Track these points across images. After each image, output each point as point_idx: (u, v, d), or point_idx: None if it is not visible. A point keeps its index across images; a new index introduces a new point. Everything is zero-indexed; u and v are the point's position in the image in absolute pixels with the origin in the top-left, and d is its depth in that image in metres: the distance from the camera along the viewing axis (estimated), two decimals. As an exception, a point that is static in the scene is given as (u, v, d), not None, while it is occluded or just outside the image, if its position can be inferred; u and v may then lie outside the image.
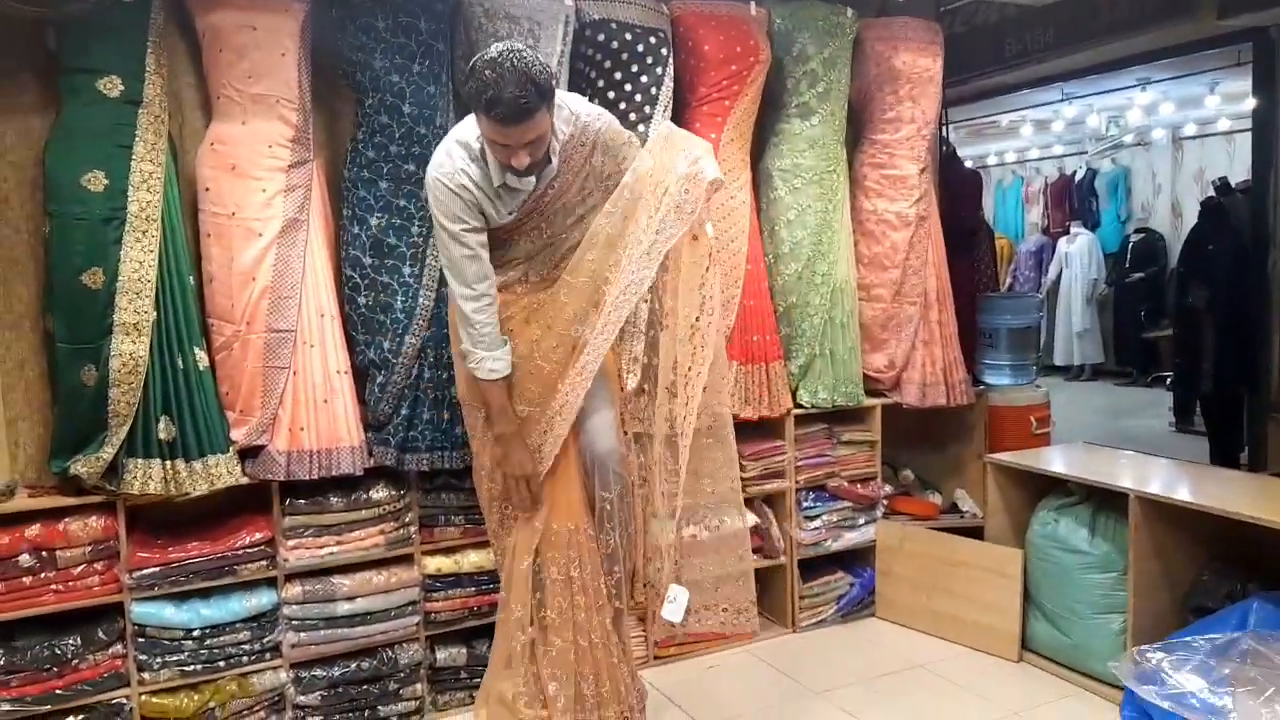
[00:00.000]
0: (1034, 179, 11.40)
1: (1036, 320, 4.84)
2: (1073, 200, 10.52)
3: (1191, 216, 7.80)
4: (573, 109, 2.51)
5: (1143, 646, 2.80)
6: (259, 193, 2.86)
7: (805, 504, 3.76)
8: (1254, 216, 5.41)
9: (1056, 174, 10.92)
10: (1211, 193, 6.38)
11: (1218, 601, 3.01)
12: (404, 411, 3.02)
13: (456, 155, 2.39)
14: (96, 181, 2.66)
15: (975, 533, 3.79)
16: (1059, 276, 9.99)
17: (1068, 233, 10.05)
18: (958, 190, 4.65)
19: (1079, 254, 9.80)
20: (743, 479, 3.59)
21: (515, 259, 2.54)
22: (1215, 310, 5.67)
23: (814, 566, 3.80)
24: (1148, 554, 3.07)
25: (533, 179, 2.42)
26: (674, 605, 2.56)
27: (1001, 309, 4.57)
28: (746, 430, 3.61)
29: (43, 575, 2.70)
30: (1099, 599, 3.20)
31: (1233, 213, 5.89)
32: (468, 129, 2.42)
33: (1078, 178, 10.53)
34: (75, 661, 2.72)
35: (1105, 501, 3.25)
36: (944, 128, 4.40)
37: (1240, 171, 7.29)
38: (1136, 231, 9.58)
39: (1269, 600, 2.80)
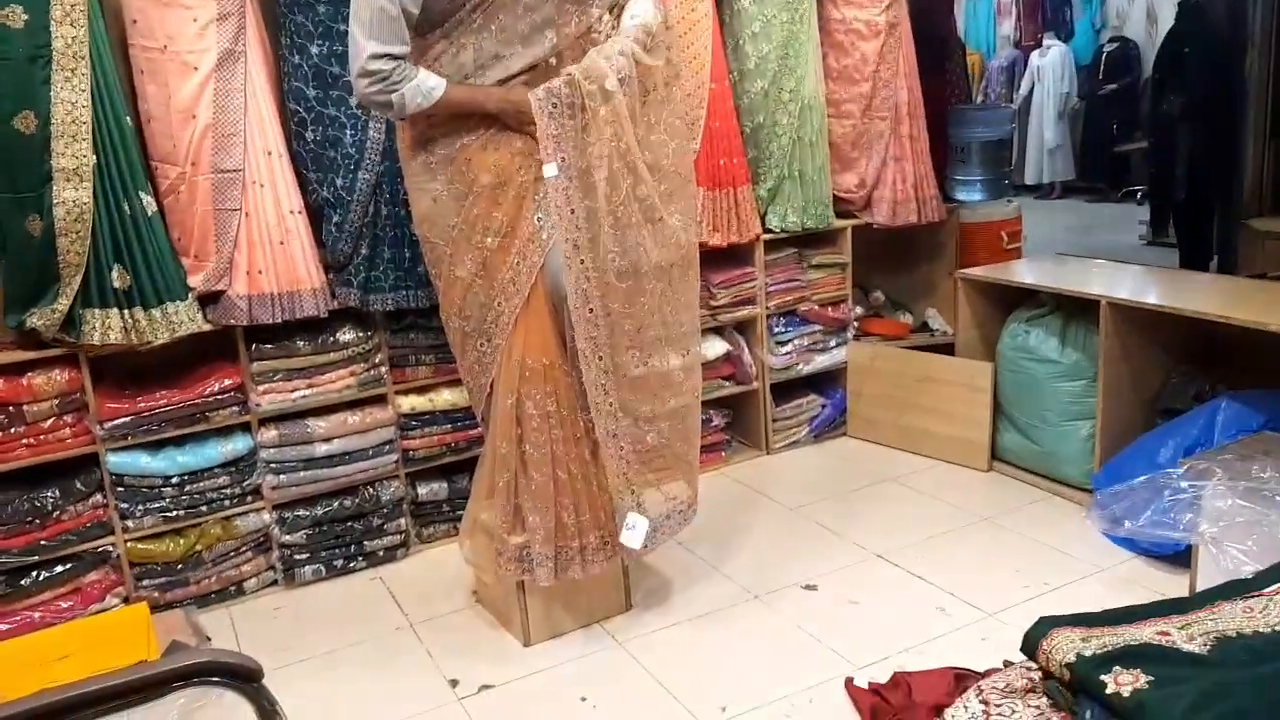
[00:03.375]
0: (1007, -12, 11.00)
1: (1009, 132, 4.74)
2: (1045, 10, 10.19)
3: (1167, 23, 7.56)
4: None
5: (1111, 489, 2.86)
6: (190, 22, 2.68)
7: (776, 329, 3.76)
8: (1232, 16, 5.25)
9: (1030, -18, 10.53)
10: (1190, -7, 6.16)
11: (1186, 403, 3.08)
12: (364, 251, 2.94)
13: None
14: (15, 17, 2.51)
15: (946, 350, 3.83)
16: (1030, 92, 9.78)
17: (1040, 45, 9.78)
18: (929, -5, 4.45)
19: (1051, 67, 9.57)
20: (713, 306, 3.59)
21: (463, 69, 2.41)
22: (1190, 116, 5.58)
23: (786, 390, 3.85)
24: (1117, 359, 3.11)
25: None
26: (632, 532, 2.53)
27: (973, 121, 4.45)
28: (716, 257, 3.58)
29: (12, 430, 2.68)
30: (1068, 406, 3.26)
31: (1210, 13, 5.71)
32: None
33: (1051, -15, 10.17)
34: (56, 513, 2.73)
35: (1076, 310, 3.27)
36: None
37: (1220, -30, 7.03)
38: (1111, 41, 9.33)
39: (1236, 399, 2.85)
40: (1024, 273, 3.64)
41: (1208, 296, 3.14)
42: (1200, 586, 2.42)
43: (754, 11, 3.51)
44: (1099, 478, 3.06)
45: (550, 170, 2.32)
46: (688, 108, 3.34)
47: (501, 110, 2.40)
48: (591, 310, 2.41)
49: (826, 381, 3.96)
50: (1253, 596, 1.78)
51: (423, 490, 3.20)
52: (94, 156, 2.61)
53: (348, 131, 2.86)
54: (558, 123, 2.30)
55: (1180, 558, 2.68)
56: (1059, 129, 9.57)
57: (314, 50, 2.82)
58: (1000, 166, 4.55)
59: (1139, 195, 8.53)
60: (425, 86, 2.34)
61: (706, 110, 3.41)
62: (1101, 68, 9.21)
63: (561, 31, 2.47)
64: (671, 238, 2.54)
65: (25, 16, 2.51)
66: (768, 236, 3.68)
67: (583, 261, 2.37)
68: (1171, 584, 2.66)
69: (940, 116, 4.26)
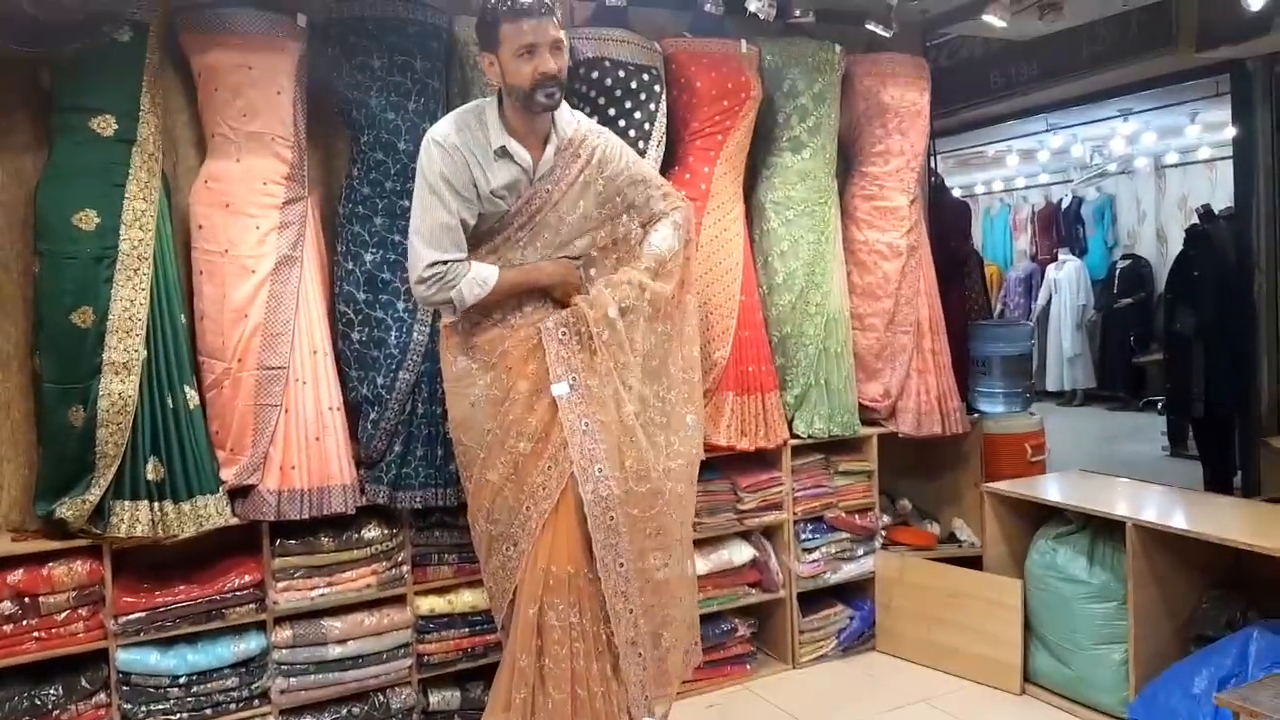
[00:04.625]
0: (1021, 207, 11.48)
1: (1028, 348, 4.86)
2: (1059, 228, 10.58)
3: (1176, 243, 7.86)
4: (579, 117, 2.62)
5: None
6: (252, 230, 2.83)
7: (804, 536, 3.72)
8: (1238, 242, 5.45)
9: (1043, 202, 10.98)
10: (1195, 219, 6.43)
11: (1218, 630, 2.99)
12: (397, 448, 2.98)
13: (455, 119, 2.49)
14: (88, 220, 2.64)
15: (974, 562, 3.76)
16: (1048, 303, 10.04)
17: (1056, 260, 10.11)
18: (947, 220, 4.67)
19: (1067, 280, 9.86)
20: (740, 511, 3.58)
21: None
22: (1203, 335, 5.69)
23: (813, 600, 3.76)
24: (1147, 582, 3.05)
25: (529, 158, 2.49)
26: None
27: (994, 337, 4.57)
28: (743, 461, 3.59)
29: (25, 623, 2.63)
30: (1100, 629, 3.17)
31: (1216, 239, 5.93)
32: (473, 104, 2.55)
33: (1064, 206, 10.60)
34: (57, 712, 2.64)
35: (1103, 529, 3.23)
36: (932, 159, 4.43)
37: (1222, 198, 7.34)
38: (1123, 258, 9.64)
39: (1268, 629, 2.78)
40: (1049, 489, 3.62)
41: (1235, 521, 3.11)
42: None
43: (782, 232, 3.68)
44: (1135, 707, 2.95)
45: (560, 389, 2.47)
46: (719, 317, 3.48)
47: (553, 283, 2.56)
48: (612, 517, 2.46)
49: (854, 592, 3.88)
50: None
51: (434, 699, 3.08)
52: (145, 351, 2.67)
53: (392, 333, 2.96)
54: (567, 348, 2.48)
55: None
56: (1077, 339, 9.76)
57: (368, 258, 2.95)
58: (1021, 379, 4.64)
59: (1159, 406, 8.57)
60: (480, 276, 2.48)
61: (737, 320, 3.52)
62: (1116, 283, 9.48)
63: (596, 243, 2.65)
64: (689, 439, 2.64)
65: (98, 220, 2.63)
66: (795, 442, 3.70)
67: (600, 469, 2.46)
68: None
69: (962, 329, 4.38)
